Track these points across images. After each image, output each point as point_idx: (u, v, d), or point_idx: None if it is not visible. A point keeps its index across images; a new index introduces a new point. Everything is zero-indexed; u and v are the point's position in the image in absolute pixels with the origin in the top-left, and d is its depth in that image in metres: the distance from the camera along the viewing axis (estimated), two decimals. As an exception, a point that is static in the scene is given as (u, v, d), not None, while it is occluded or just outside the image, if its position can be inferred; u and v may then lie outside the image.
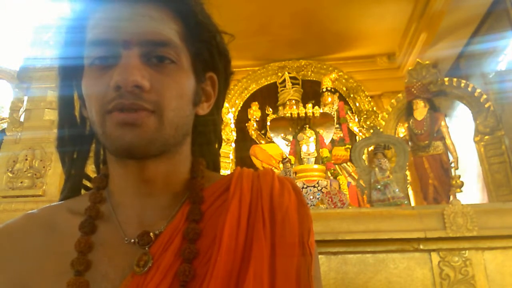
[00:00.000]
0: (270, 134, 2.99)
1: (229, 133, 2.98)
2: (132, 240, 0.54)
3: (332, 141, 3.05)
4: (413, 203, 2.70)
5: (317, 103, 3.15)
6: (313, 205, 2.23)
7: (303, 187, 2.34)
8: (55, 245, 0.55)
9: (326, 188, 2.31)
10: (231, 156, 3.05)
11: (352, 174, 3.00)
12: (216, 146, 0.70)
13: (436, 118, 2.52)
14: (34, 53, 2.22)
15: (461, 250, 1.69)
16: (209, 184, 0.60)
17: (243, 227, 0.53)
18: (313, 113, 2.70)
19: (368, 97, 3.63)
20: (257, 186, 0.57)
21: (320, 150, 2.63)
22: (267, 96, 3.71)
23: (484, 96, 2.45)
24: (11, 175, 1.98)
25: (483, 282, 1.64)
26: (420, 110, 2.55)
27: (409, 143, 2.55)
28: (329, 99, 3.37)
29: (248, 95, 3.79)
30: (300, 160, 2.61)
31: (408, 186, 2.23)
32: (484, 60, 2.92)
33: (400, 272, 1.69)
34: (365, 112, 3.56)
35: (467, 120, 2.56)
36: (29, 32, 2.30)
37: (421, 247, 1.71)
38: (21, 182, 1.96)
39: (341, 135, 3.27)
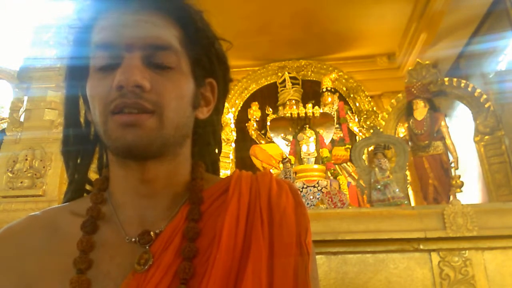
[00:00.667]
0: (270, 134, 2.99)
1: (229, 133, 2.98)
2: (133, 239, 0.55)
3: (332, 141, 3.06)
4: (413, 203, 2.71)
5: (317, 103, 3.15)
6: (313, 205, 2.23)
7: (303, 187, 2.34)
8: (57, 245, 0.56)
9: (326, 188, 2.31)
10: (231, 156, 3.06)
11: (352, 174, 3.00)
12: (216, 150, 0.71)
13: (436, 118, 2.52)
14: (34, 53, 2.22)
15: (461, 250, 1.69)
16: (209, 185, 0.61)
17: (242, 227, 0.54)
18: (313, 113, 2.70)
19: (368, 97, 3.64)
20: (256, 187, 0.58)
21: (320, 150, 2.63)
22: (267, 96, 3.71)
23: (484, 96, 2.45)
24: (11, 175, 1.98)
25: (483, 282, 1.64)
26: (420, 110, 2.56)
27: (409, 143, 2.55)
28: (329, 99, 3.38)
29: (248, 95, 3.79)
30: (300, 160, 2.61)
31: (408, 186, 2.23)
32: (484, 60, 2.92)
33: (400, 272, 1.69)
34: (365, 112, 3.56)
35: (467, 120, 2.56)
36: (29, 32, 2.30)
37: (421, 247, 1.71)
38: (21, 182, 1.96)
39: (341, 135, 3.27)
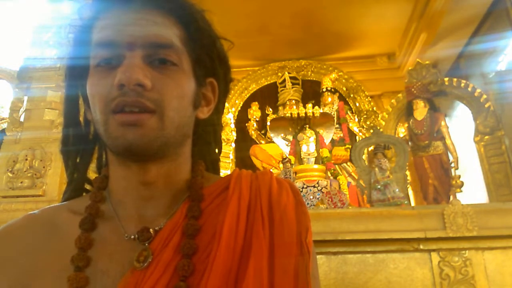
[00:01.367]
0: (270, 134, 2.99)
1: (229, 133, 2.98)
2: (132, 236, 0.55)
3: (332, 141, 3.06)
4: (413, 203, 2.71)
5: (317, 103, 3.15)
6: (313, 205, 2.23)
7: (303, 187, 2.34)
8: (56, 243, 0.56)
9: (326, 188, 2.31)
10: (231, 156, 3.06)
11: (352, 174, 3.00)
12: (216, 149, 0.71)
13: (436, 118, 2.52)
14: (34, 53, 2.22)
15: (461, 250, 1.69)
16: (209, 184, 0.61)
17: (242, 225, 0.54)
18: (313, 113, 2.70)
19: (368, 97, 3.64)
20: (256, 185, 0.58)
21: (320, 150, 2.63)
22: (267, 96, 3.71)
23: (484, 96, 2.46)
24: (11, 175, 1.98)
25: (483, 282, 1.64)
26: (420, 110, 2.56)
27: (409, 143, 2.55)
28: (329, 99, 3.38)
29: (248, 95, 3.79)
30: (300, 160, 2.61)
31: (408, 186, 2.23)
32: (484, 60, 2.92)
33: (400, 272, 1.69)
34: (365, 112, 3.57)
35: (467, 120, 2.56)
36: (29, 32, 2.30)
37: (421, 247, 1.71)
38: (21, 182, 1.96)
39: (341, 135, 3.27)
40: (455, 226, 1.68)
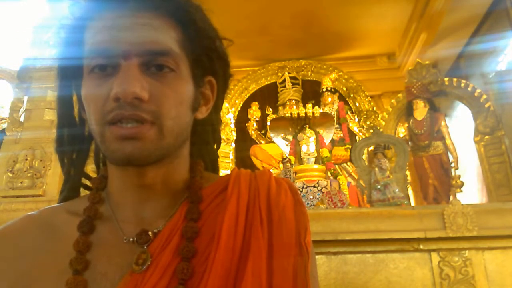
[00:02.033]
0: (270, 134, 2.99)
1: (229, 133, 2.98)
2: (131, 239, 0.55)
3: (332, 141, 3.05)
4: (413, 203, 2.70)
5: (317, 103, 3.15)
6: (313, 205, 2.23)
7: (303, 187, 2.34)
8: (54, 245, 0.56)
9: (326, 188, 2.31)
10: (231, 156, 3.05)
11: (352, 174, 2.99)
12: (215, 147, 0.71)
13: (436, 118, 2.52)
14: (34, 53, 2.22)
15: (461, 250, 1.69)
16: (208, 184, 0.61)
17: (241, 226, 0.53)
18: (313, 113, 2.70)
19: (368, 97, 3.63)
20: (255, 185, 0.58)
21: (320, 150, 2.63)
22: (267, 96, 3.70)
23: (484, 96, 2.45)
24: (11, 175, 1.98)
25: (483, 282, 1.64)
26: (420, 110, 2.55)
27: (409, 143, 2.55)
28: (329, 99, 3.37)
29: (248, 95, 3.79)
30: (300, 160, 2.61)
31: (408, 186, 2.22)
32: (484, 60, 2.92)
33: (400, 272, 1.69)
34: (365, 112, 3.56)
35: (467, 120, 2.56)
36: (29, 32, 2.30)
37: (421, 247, 1.71)
38: (21, 182, 1.96)
39: (341, 135, 3.27)
40: (455, 226, 1.68)
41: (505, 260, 1.67)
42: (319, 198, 2.21)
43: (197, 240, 0.53)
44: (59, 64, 0.60)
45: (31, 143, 2.04)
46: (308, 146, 2.60)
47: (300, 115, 2.73)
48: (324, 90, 3.42)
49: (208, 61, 0.60)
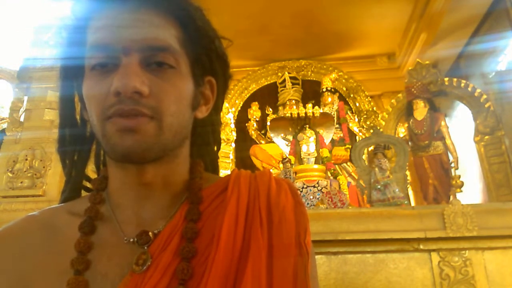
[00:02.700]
0: (270, 134, 2.99)
1: (229, 133, 2.98)
2: (131, 240, 0.55)
3: (332, 141, 3.05)
4: (413, 203, 2.70)
5: (317, 103, 3.15)
6: (313, 205, 2.23)
7: (303, 187, 2.34)
8: (55, 245, 0.56)
9: (326, 188, 2.31)
10: (231, 156, 3.06)
11: (352, 174, 2.99)
12: (215, 148, 0.71)
13: (436, 118, 2.52)
14: (34, 53, 2.22)
15: (461, 250, 1.69)
16: (208, 184, 0.61)
17: (241, 226, 0.53)
18: (313, 113, 2.70)
19: (368, 97, 3.63)
20: (255, 186, 0.58)
21: (320, 150, 2.63)
22: (267, 96, 3.70)
23: (484, 96, 2.45)
24: (11, 175, 1.98)
25: (483, 282, 1.64)
26: (420, 110, 2.55)
27: (409, 143, 2.55)
28: (329, 99, 3.37)
29: (248, 95, 3.79)
30: (300, 160, 2.61)
31: (408, 186, 2.22)
32: (484, 60, 2.92)
33: (400, 272, 1.69)
34: (365, 112, 3.56)
35: (467, 120, 2.56)
36: (29, 32, 2.30)
37: (421, 247, 1.71)
38: (21, 182, 1.96)
39: (341, 135, 3.27)
40: (455, 226, 1.68)
41: (505, 260, 1.67)
42: (319, 198, 2.21)
43: (197, 241, 0.54)
44: (61, 65, 0.61)
45: (31, 143, 2.04)
46: (308, 146, 2.60)
47: (300, 115, 2.73)
48: (324, 90, 3.42)
49: (208, 61, 0.61)
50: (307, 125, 2.70)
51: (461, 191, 2.35)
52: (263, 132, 3.42)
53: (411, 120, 2.56)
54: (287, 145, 2.81)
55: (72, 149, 0.63)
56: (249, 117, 3.49)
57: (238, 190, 0.57)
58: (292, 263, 0.52)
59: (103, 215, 0.58)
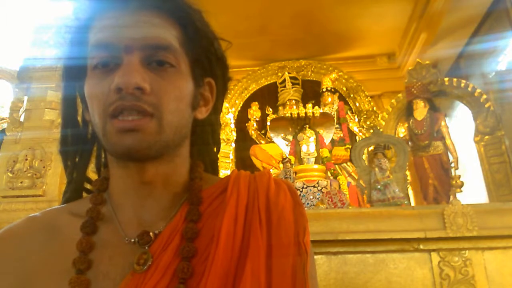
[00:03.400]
0: (270, 134, 2.99)
1: (229, 133, 2.98)
2: (132, 240, 0.55)
3: (332, 141, 3.05)
4: (413, 203, 2.71)
5: (317, 103, 3.15)
6: (313, 205, 2.23)
7: (303, 187, 2.34)
8: (57, 246, 0.56)
9: (326, 188, 2.31)
10: (231, 156, 3.06)
11: (352, 174, 3.00)
12: (215, 150, 0.71)
13: (436, 118, 2.52)
14: (34, 53, 2.22)
15: (461, 250, 1.69)
16: (207, 185, 0.61)
17: (240, 226, 0.54)
18: (313, 113, 2.70)
19: (368, 97, 3.64)
20: (254, 187, 0.58)
21: (320, 150, 2.63)
22: (267, 96, 3.71)
23: (484, 96, 2.45)
24: (11, 175, 1.98)
25: (483, 282, 1.64)
26: (420, 110, 2.56)
27: (409, 143, 2.55)
28: (329, 99, 3.38)
29: (248, 95, 3.79)
30: (300, 160, 2.61)
31: (408, 186, 2.23)
32: (484, 60, 2.92)
33: (400, 272, 1.69)
34: (365, 112, 3.56)
35: (467, 120, 2.56)
36: (29, 32, 2.30)
37: (421, 247, 1.71)
38: (21, 182, 1.96)
39: (341, 135, 3.27)
40: (455, 226, 1.68)
41: (505, 260, 1.67)
42: (319, 198, 2.22)
43: (197, 241, 0.54)
44: (63, 65, 0.62)
45: (31, 143, 2.04)
46: (308, 146, 2.61)
47: (300, 115, 2.73)
48: (324, 90, 3.42)
49: (207, 61, 0.61)
50: (307, 125, 2.70)
51: (461, 191, 2.35)
52: (263, 132, 3.42)
53: (411, 120, 2.57)
54: (287, 145, 2.81)
55: (74, 150, 0.64)
56: (249, 117, 3.49)
57: (238, 191, 0.57)
58: (291, 262, 0.53)
59: (104, 216, 0.59)
